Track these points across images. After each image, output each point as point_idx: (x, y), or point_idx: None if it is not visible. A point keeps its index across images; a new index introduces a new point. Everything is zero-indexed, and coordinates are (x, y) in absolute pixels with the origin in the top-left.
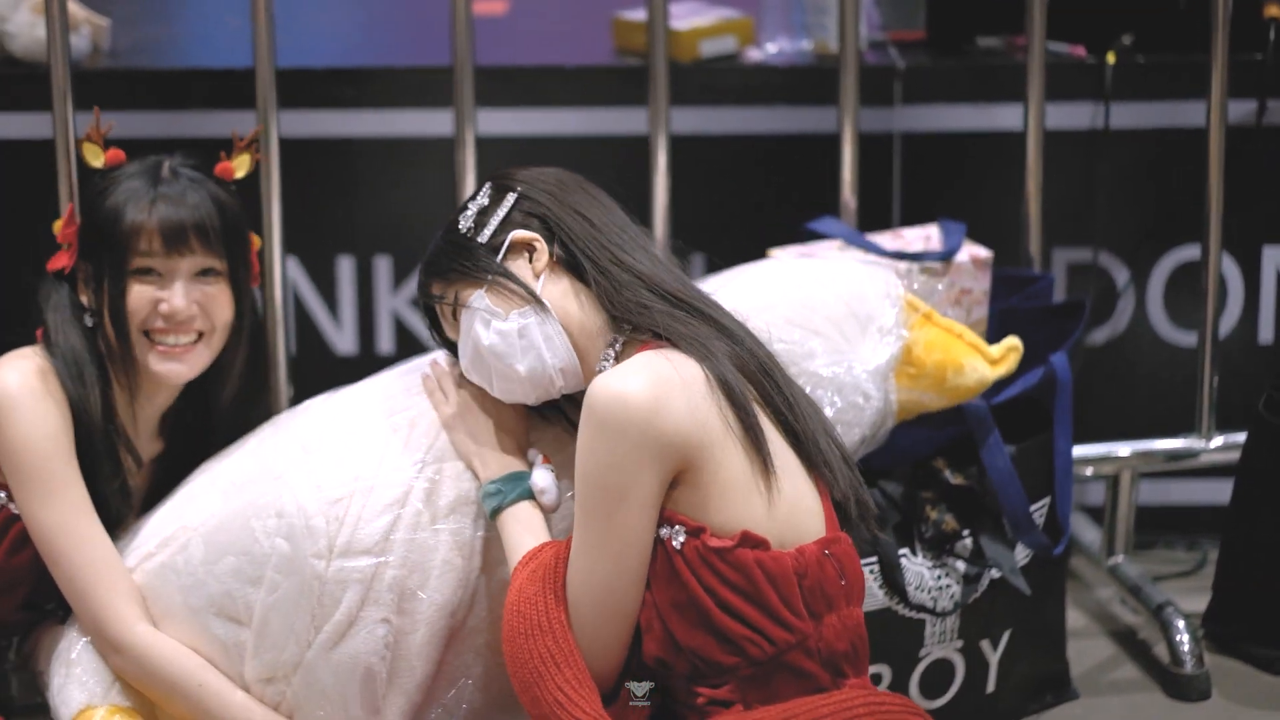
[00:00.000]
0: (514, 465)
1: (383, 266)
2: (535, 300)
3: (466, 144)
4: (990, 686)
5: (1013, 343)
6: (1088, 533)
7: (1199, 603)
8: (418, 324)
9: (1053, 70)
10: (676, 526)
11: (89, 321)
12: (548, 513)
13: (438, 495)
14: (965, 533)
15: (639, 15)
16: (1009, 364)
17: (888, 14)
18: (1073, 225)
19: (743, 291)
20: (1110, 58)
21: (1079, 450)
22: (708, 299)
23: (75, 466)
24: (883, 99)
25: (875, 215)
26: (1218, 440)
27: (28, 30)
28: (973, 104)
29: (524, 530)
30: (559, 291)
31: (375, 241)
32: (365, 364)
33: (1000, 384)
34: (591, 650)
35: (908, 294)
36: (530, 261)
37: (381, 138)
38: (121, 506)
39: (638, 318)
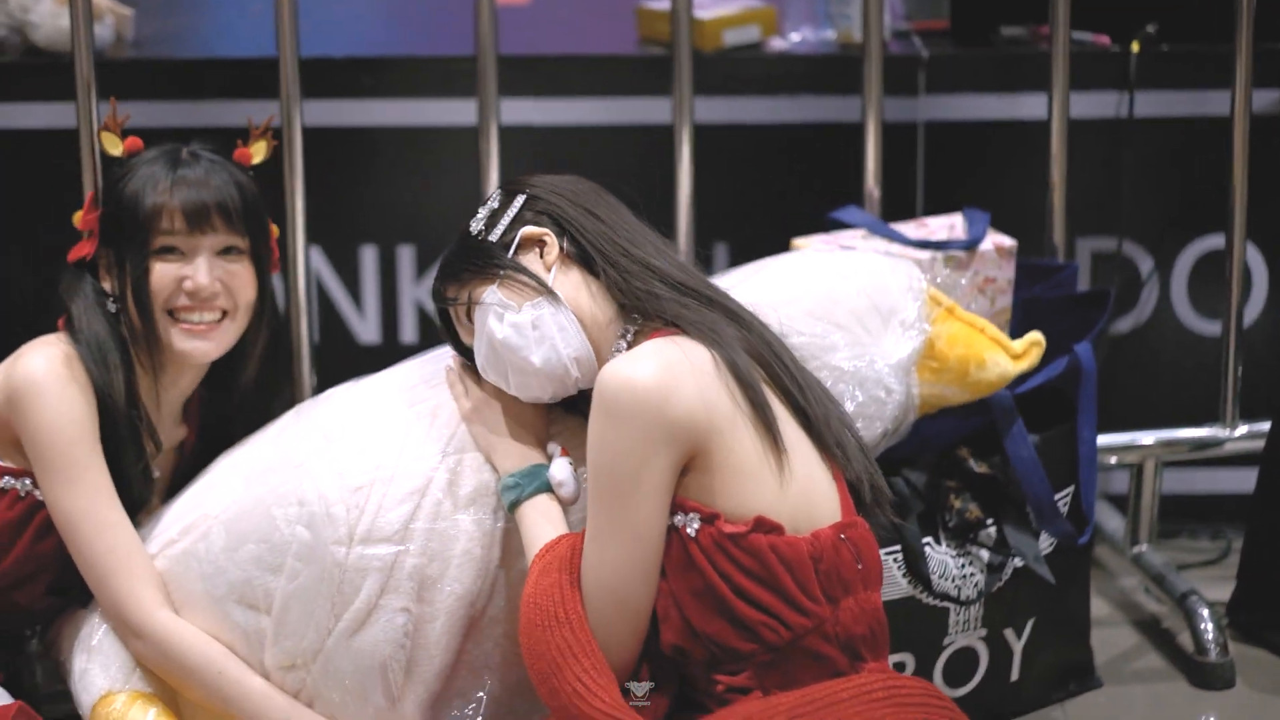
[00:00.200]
0: (533, 458)
1: (406, 256)
2: (547, 291)
3: (490, 133)
4: (1014, 675)
5: (1035, 337)
6: (1112, 521)
7: (1223, 592)
8: None
9: (1077, 59)
10: (690, 514)
11: (112, 307)
12: (566, 505)
13: (459, 485)
14: (989, 521)
15: (662, 4)
16: (1031, 359)
17: (911, 4)
18: (1097, 215)
19: (765, 284)
20: (1135, 47)
21: (1103, 439)
22: (717, 289)
23: (99, 452)
24: (907, 88)
25: (899, 204)
26: (1242, 429)
27: (51, 20)
28: (997, 93)
29: (541, 523)
30: (570, 283)
31: (398, 231)
32: (388, 353)
33: (1025, 373)
34: (608, 640)
35: (931, 287)
36: (541, 256)
37: (404, 127)
38: (145, 491)
39: (647, 306)
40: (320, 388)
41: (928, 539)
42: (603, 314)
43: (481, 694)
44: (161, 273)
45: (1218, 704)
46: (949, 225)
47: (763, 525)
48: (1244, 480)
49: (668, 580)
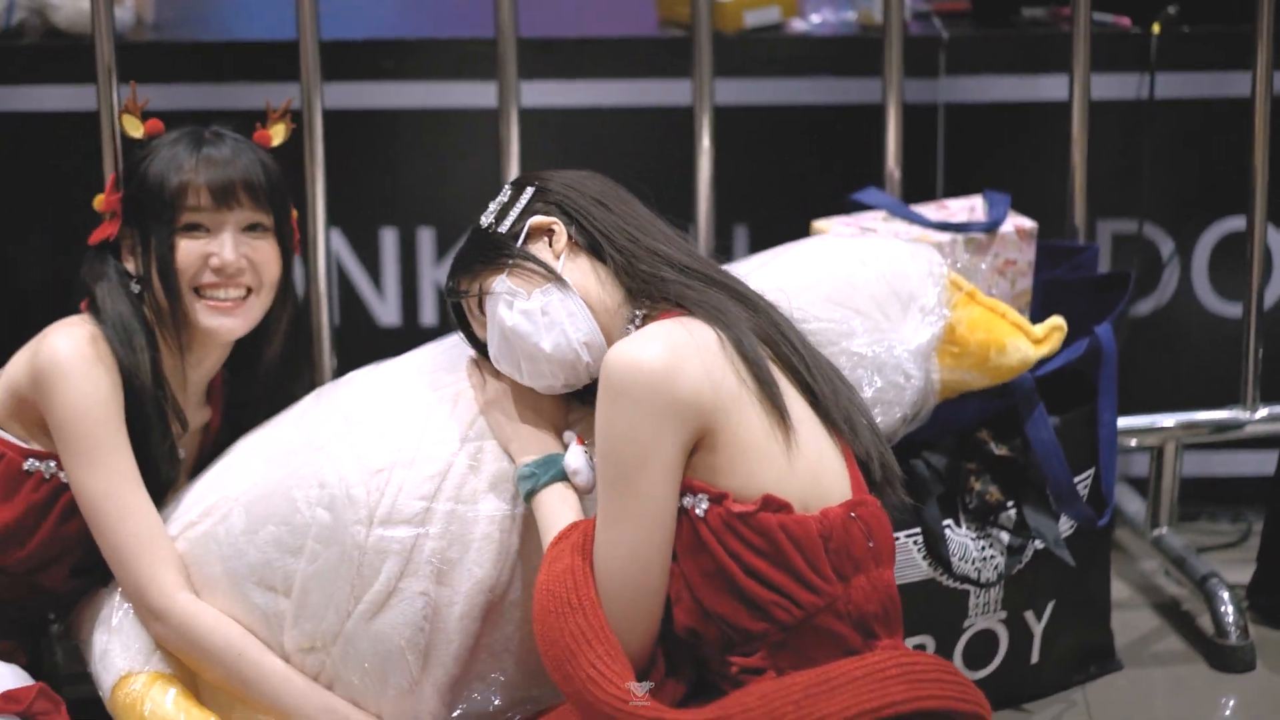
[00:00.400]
0: (550, 447)
1: (426, 238)
2: (556, 278)
3: (510, 116)
4: (1034, 658)
5: (1056, 322)
6: (1132, 504)
7: (1243, 574)
8: None
9: (1098, 41)
10: (699, 494)
11: (135, 289)
12: (582, 493)
13: (479, 470)
14: (1009, 504)
15: None
16: (1052, 343)
17: None
18: (1117, 196)
19: (784, 270)
20: (1155, 28)
21: (1123, 421)
22: (725, 272)
23: (124, 434)
24: (927, 70)
25: (919, 186)
26: (1262, 411)
27: (71, 2)
28: (1017, 75)
29: (557, 511)
30: (579, 270)
31: (418, 213)
32: (408, 335)
33: (1045, 357)
34: (623, 624)
35: (951, 272)
36: (550, 245)
37: (425, 110)
38: (171, 471)
39: (653, 289)
40: (340, 370)
41: (948, 521)
42: (611, 299)
43: (500, 678)
44: (187, 250)
45: (1238, 686)
46: (969, 207)
47: (771, 504)
48: (1265, 463)
49: (678, 562)
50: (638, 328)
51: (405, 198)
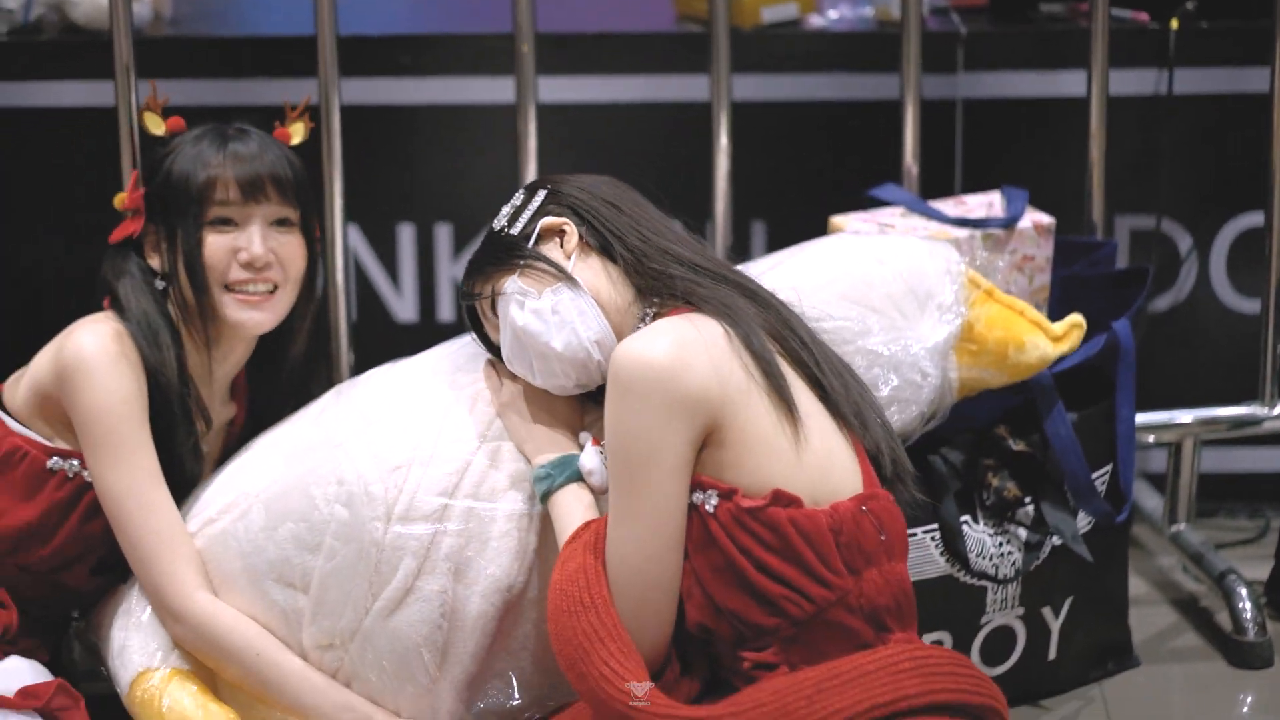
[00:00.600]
0: (565, 448)
1: (443, 234)
2: (566, 277)
3: (528, 112)
4: (1052, 654)
5: (1075, 319)
6: (1150, 500)
7: (1261, 570)
8: None
9: (1116, 36)
10: (708, 490)
11: (159, 285)
12: (597, 494)
13: (498, 469)
14: (1027, 500)
15: None
16: (1071, 341)
17: None
18: (1135, 192)
19: (800, 269)
20: (1174, 24)
21: (1141, 417)
22: (735, 270)
23: (148, 432)
24: (945, 65)
25: (937, 182)
26: None
27: None
28: (1035, 70)
29: (572, 512)
30: (590, 269)
31: (436, 209)
32: (426, 331)
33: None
34: (635, 622)
35: (969, 270)
36: (561, 245)
37: (442, 105)
38: (195, 468)
39: (662, 286)
40: (358, 366)
41: (965, 517)
42: (622, 298)
43: (517, 676)
44: (215, 244)
45: (1256, 683)
46: (987, 203)
47: (781, 498)
48: None
49: (689, 559)
50: (647, 325)
51: (423, 193)
